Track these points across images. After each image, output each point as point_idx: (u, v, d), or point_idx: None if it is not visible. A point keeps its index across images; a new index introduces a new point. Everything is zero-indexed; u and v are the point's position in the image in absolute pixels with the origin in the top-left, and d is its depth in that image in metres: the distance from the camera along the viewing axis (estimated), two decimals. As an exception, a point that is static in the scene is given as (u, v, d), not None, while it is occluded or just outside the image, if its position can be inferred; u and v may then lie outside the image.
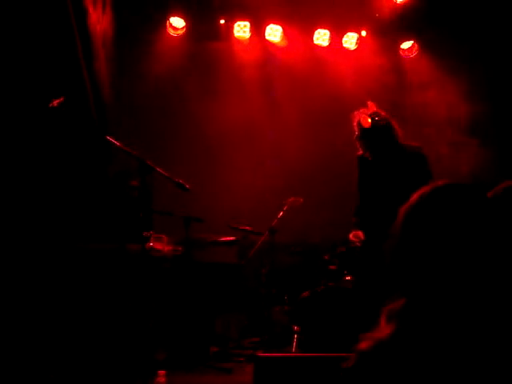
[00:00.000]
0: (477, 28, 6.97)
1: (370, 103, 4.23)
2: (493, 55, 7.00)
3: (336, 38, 7.58)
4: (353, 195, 4.56)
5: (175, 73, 7.24)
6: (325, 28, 7.52)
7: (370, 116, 4.13)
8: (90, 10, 5.53)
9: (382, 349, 1.09)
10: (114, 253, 4.64)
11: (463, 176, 6.01)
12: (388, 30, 7.51)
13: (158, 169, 4.05)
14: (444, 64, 7.30)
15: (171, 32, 7.37)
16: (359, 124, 4.15)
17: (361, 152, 4.31)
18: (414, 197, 1.22)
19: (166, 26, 7.34)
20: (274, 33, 7.50)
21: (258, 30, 7.49)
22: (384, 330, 1.13)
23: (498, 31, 6.88)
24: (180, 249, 5.14)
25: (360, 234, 4.24)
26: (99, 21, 5.88)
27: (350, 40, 7.59)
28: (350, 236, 4.32)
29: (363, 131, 4.13)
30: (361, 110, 4.19)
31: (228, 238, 5.75)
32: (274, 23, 7.44)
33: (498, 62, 6.98)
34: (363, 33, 7.54)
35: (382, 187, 4.11)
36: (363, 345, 1.13)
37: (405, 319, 1.12)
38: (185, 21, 7.31)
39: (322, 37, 7.56)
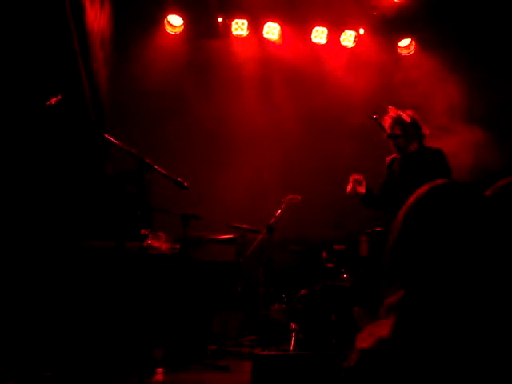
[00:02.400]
0: (474, 24, 6.98)
1: (390, 108, 4.46)
2: (491, 51, 7.01)
3: (334, 35, 7.58)
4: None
5: (173, 71, 7.23)
6: (323, 26, 7.52)
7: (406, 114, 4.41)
8: (88, 6, 5.52)
9: (384, 347, 1.09)
10: (111, 250, 4.64)
11: (467, 166, 6.03)
12: (386, 28, 7.52)
13: (156, 167, 4.05)
14: (442, 61, 7.30)
15: (169, 30, 7.37)
16: (399, 119, 4.33)
17: (393, 155, 4.52)
18: (415, 194, 1.23)
19: (163, 23, 7.33)
20: (271, 31, 7.49)
21: (255, 27, 7.48)
22: (384, 325, 1.13)
23: (495, 27, 6.89)
24: (178, 247, 5.14)
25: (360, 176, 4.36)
26: (97, 18, 5.87)
27: (347, 38, 7.60)
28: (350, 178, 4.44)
29: (404, 125, 4.32)
30: (390, 113, 4.42)
31: (226, 236, 5.75)
32: (271, 21, 7.43)
33: (496, 58, 6.98)
34: (361, 31, 7.55)
35: (406, 187, 4.15)
36: (365, 343, 1.13)
37: (404, 312, 1.12)
38: (183, 19, 7.31)
39: (319, 35, 7.56)
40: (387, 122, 4.42)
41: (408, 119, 4.37)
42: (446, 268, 1.11)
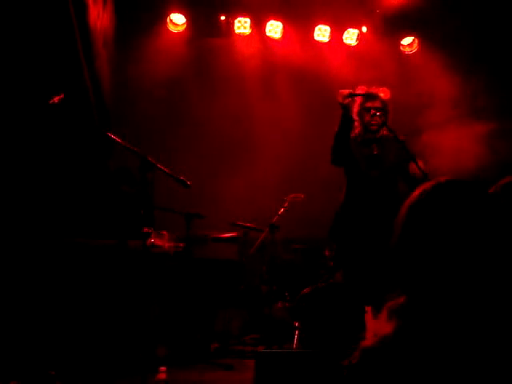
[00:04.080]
0: (477, 22, 6.97)
1: (361, 87, 4.16)
2: (494, 49, 6.99)
3: (336, 34, 7.58)
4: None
5: (175, 69, 7.23)
6: (325, 24, 7.52)
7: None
8: (91, 5, 5.52)
9: (387, 346, 1.09)
10: (114, 249, 4.65)
11: (471, 162, 6.03)
12: (388, 26, 7.51)
13: (159, 165, 4.05)
14: (445, 59, 7.29)
15: (172, 28, 7.37)
16: (378, 95, 4.06)
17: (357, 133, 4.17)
18: (416, 193, 1.22)
19: (166, 22, 7.34)
20: (274, 29, 7.49)
21: (258, 26, 7.48)
22: (386, 327, 1.13)
23: (498, 24, 6.87)
24: (181, 245, 5.14)
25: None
26: (99, 16, 5.87)
27: (350, 36, 7.60)
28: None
29: (384, 104, 4.05)
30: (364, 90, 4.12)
31: (229, 235, 5.76)
32: (274, 19, 7.43)
33: (499, 57, 6.97)
34: (364, 29, 7.54)
35: (381, 169, 4.04)
36: (367, 342, 1.13)
37: (406, 316, 1.12)
38: (185, 17, 7.31)
39: (322, 33, 7.56)
40: (360, 98, 4.07)
41: (385, 96, 4.05)
42: (451, 271, 1.10)
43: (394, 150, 4.03)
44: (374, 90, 4.09)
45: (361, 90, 4.05)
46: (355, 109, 4.13)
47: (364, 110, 4.07)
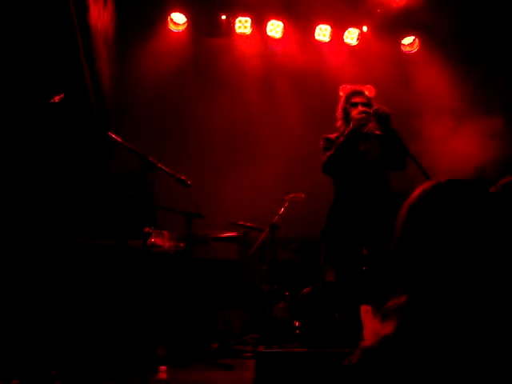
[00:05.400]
0: (477, 22, 6.97)
1: (343, 86, 4.19)
2: (495, 50, 7.00)
3: (337, 33, 7.58)
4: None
5: (176, 69, 7.23)
6: (326, 24, 7.51)
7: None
8: (91, 5, 5.52)
9: (387, 346, 1.09)
10: (114, 248, 4.65)
11: (474, 160, 6.04)
12: (389, 26, 7.50)
13: (159, 165, 4.05)
14: (446, 58, 7.29)
15: (172, 28, 7.37)
16: (363, 92, 4.10)
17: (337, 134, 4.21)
18: (416, 193, 1.22)
19: (167, 21, 7.34)
20: (275, 29, 7.49)
21: (259, 25, 7.48)
22: (386, 326, 1.12)
23: (498, 24, 6.87)
24: (181, 245, 5.14)
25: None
26: (100, 16, 5.87)
27: (351, 36, 7.59)
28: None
29: (369, 101, 4.07)
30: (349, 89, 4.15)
31: (229, 235, 5.75)
32: (275, 19, 7.43)
33: (500, 56, 6.97)
34: (364, 28, 7.54)
35: (376, 170, 4.05)
36: (367, 342, 1.13)
37: (407, 316, 1.12)
38: (186, 17, 7.31)
39: (323, 32, 7.56)
40: (345, 95, 4.12)
41: (370, 94, 4.07)
42: (451, 271, 1.10)
43: (380, 146, 4.05)
44: (358, 87, 4.13)
45: (345, 88, 4.13)
46: (340, 105, 4.15)
47: (351, 104, 4.09)
